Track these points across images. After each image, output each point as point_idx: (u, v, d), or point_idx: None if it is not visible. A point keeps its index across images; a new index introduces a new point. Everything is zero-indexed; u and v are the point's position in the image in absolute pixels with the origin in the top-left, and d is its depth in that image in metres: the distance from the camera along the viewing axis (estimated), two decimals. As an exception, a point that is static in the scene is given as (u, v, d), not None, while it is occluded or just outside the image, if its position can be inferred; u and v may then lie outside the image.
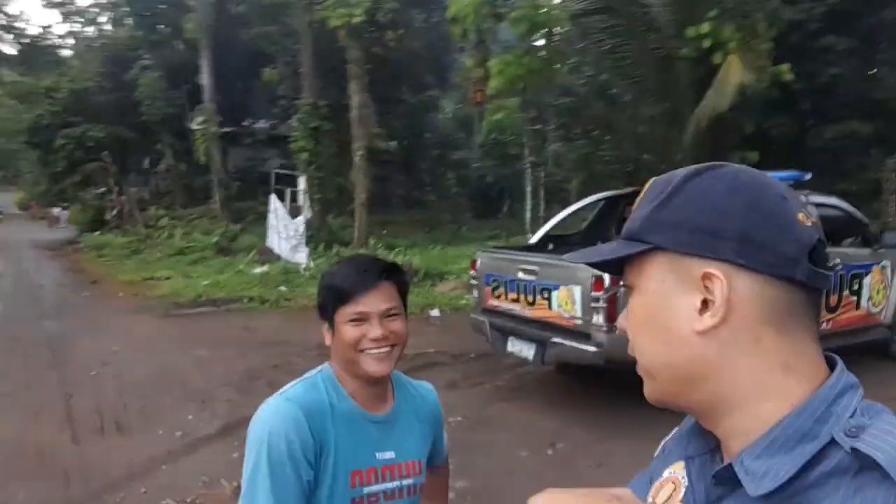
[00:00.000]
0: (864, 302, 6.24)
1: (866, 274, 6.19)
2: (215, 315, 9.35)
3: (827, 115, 12.99)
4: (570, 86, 12.92)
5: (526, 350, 5.44)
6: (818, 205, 6.28)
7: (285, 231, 12.54)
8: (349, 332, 1.35)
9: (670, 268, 0.67)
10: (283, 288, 10.95)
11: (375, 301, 1.35)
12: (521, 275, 5.49)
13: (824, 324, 5.84)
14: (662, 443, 0.86)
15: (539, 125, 14.65)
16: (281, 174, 13.50)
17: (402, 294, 1.43)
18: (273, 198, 12.66)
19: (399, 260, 13.07)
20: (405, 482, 1.43)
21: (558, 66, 11.42)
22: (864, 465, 0.57)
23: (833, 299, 5.94)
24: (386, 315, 1.36)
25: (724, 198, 0.65)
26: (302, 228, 12.50)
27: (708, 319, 0.64)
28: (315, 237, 14.84)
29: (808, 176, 6.73)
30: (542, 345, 5.28)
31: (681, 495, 0.75)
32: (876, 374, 5.02)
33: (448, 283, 11.14)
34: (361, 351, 1.35)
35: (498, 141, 21.38)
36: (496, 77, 10.17)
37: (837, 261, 5.98)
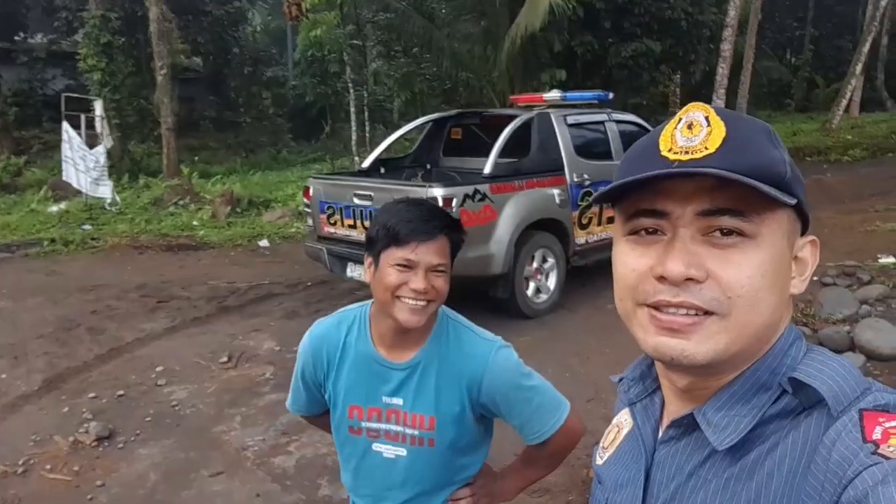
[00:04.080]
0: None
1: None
2: (11, 261, 8.32)
3: (625, 33, 13.98)
4: (390, 1, 12.65)
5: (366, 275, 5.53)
6: (619, 121, 6.88)
7: (83, 163, 11.24)
8: (392, 275, 1.33)
9: (791, 227, 0.66)
10: (87, 227, 9.95)
11: (428, 253, 1.33)
12: (356, 200, 5.50)
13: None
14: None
15: (359, 42, 14.26)
16: (72, 97, 11.95)
17: (454, 251, 1.40)
18: (66, 126, 11.20)
19: (218, 188, 12.38)
20: (409, 431, 1.45)
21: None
22: (808, 404, 0.63)
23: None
24: (433, 270, 1.34)
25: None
26: (103, 159, 11.29)
27: (800, 284, 0.67)
28: (117, 168, 13.52)
29: (611, 95, 7.30)
30: (381, 268, 5.38)
31: (622, 436, 0.82)
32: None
33: (274, 212, 10.79)
34: (398, 297, 1.34)
35: (316, 58, 20.50)
36: (312, -9, 9.68)
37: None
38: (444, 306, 1.50)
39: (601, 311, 5.76)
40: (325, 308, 6.17)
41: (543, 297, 5.90)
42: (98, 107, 12.14)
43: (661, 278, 0.64)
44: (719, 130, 0.63)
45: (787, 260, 0.65)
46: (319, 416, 1.63)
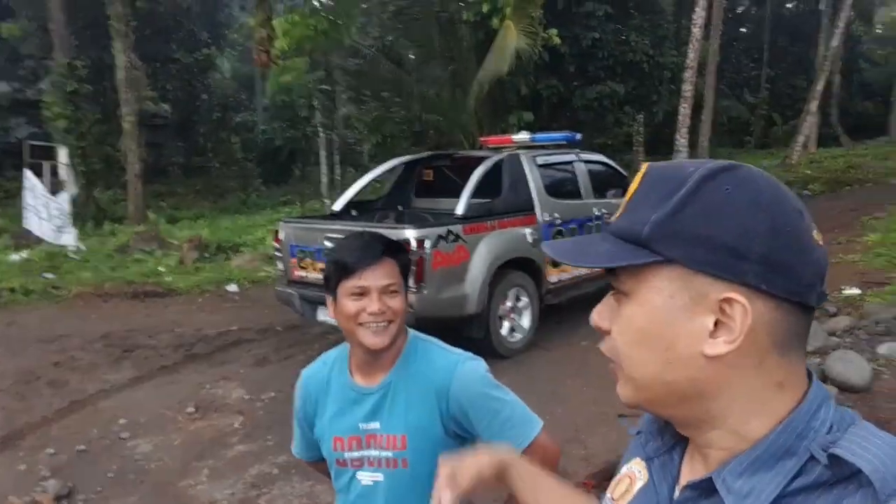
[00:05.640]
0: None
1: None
2: (-32, 313, 8.05)
3: (589, 76, 14.34)
4: (359, 47, 12.81)
5: (337, 318, 5.43)
6: (587, 161, 6.99)
7: (46, 210, 11.04)
8: (349, 305, 1.42)
9: (682, 284, 0.62)
10: (50, 275, 9.69)
11: (376, 276, 1.41)
12: (327, 244, 5.44)
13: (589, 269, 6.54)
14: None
15: (328, 87, 14.36)
16: (36, 145, 11.79)
17: (404, 272, 1.48)
18: (28, 173, 11.01)
19: (186, 234, 12.22)
20: (384, 454, 1.49)
21: (345, 25, 11.23)
22: (841, 476, 0.58)
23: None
24: (385, 291, 1.42)
25: (748, 214, 0.61)
26: (67, 206, 11.12)
27: (722, 345, 0.61)
28: (82, 215, 13.28)
29: (579, 136, 7.41)
30: (353, 311, 5.31)
31: (635, 489, 0.77)
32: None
33: (244, 257, 10.64)
34: (360, 324, 1.42)
35: (285, 103, 20.63)
36: (283, 38, 9.76)
37: (605, 211, 6.72)
38: (415, 331, 1.58)
39: (576, 349, 5.73)
40: (296, 354, 6.05)
41: (518, 336, 5.86)
42: (62, 154, 12.00)
43: None
44: (630, 193, 0.68)
45: (672, 318, 0.63)
46: (322, 461, 1.64)
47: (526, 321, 5.92)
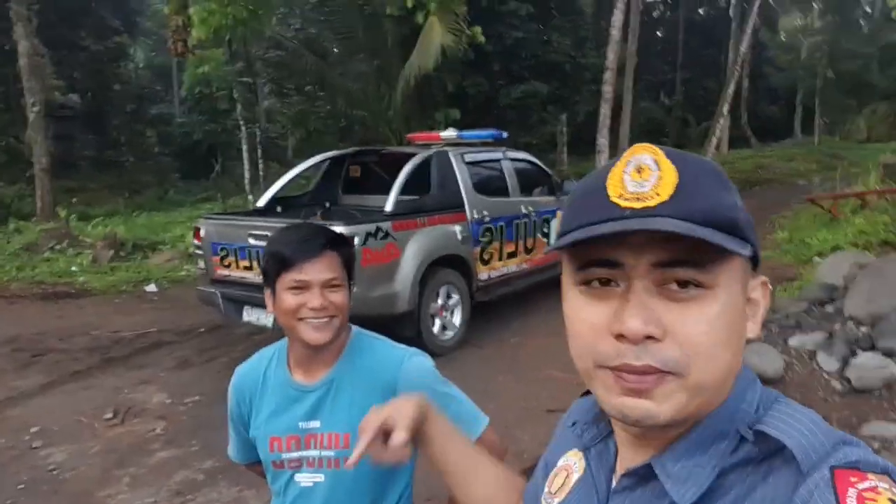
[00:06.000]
0: (552, 242, 7.21)
1: (553, 218, 7.12)
2: None
3: (514, 75, 14.54)
4: (281, 39, 12.51)
5: (264, 318, 5.30)
6: (514, 159, 7.08)
7: (-58, 206, 10.30)
8: (289, 299, 1.36)
9: (744, 272, 0.63)
10: (-53, 276, 9.04)
11: (317, 270, 1.35)
12: (251, 241, 5.28)
13: (525, 264, 6.66)
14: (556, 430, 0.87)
15: (249, 79, 13.95)
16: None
17: (347, 265, 1.42)
18: (-80, 166, 10.25)
19: (100, 231, 11.63)
20: (325, 453, 1.43)
21: (265, 15, 10.93)
22: (768, 452, 0.60)
23: (529, 242, 6.75)
24: (327, 285, 1.36)
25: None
26: (-34, 202, 10.39)
27: (755, 327, 0.65)
28: (-18, 211, 12.46)
29: (506, 135, 7.50)
30: (281, 311, 5.18)
31: (572, 481, 0.77)
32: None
33: (162, 255, 10.24)
34: (301, 319, 1.36)
35: (204, 95, 19.91)
36: (199, 26, 9.38)
37: (531, 209, 6.83)
38: (358, 327, 1.53)
39: (507, 346, 5.80)
40: (220, 356, 5.87)
41: (449, 333, 5.87)
42: (-40, 146, 11.17)
43: (620, 336, 0.60)
44: (671, 175, 0.60)
45: (742, 306, 0.63)
46: (259, 463, 1.57)
47: (457, 319, 5.94)
